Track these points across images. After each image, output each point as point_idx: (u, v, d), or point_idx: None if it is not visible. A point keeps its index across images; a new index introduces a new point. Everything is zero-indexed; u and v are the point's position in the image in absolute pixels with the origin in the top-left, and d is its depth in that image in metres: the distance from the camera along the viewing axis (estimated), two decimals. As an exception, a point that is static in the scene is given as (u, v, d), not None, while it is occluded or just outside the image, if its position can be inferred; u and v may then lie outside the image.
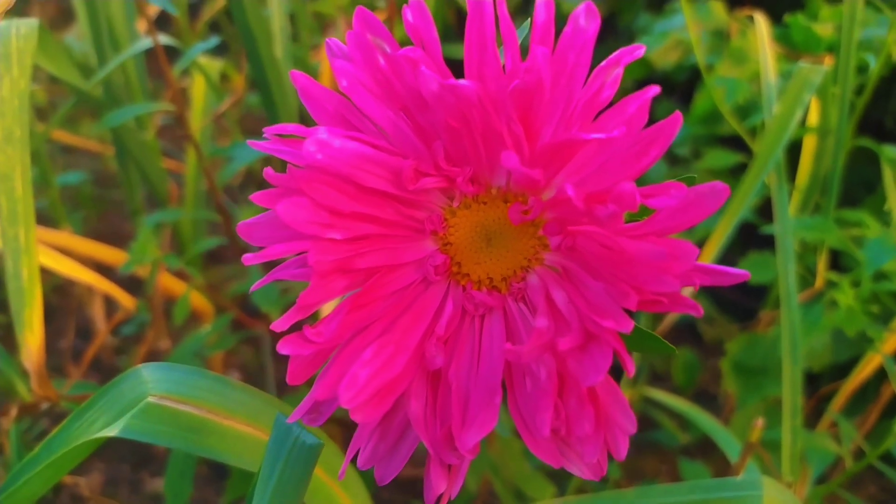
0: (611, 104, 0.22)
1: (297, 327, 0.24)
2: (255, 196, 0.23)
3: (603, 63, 0.22)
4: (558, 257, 0.24)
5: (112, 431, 0.34)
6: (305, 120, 0.76)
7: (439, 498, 0.23)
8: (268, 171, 0.23)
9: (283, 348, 0.22)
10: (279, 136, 0.23)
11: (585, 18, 0.21)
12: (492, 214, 0.25)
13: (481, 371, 0.24)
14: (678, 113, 0.20)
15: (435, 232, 0.25)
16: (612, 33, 1.24)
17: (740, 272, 0.21)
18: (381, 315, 0.24)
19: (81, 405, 0.38)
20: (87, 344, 0.99)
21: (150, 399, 0.35)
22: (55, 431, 0.38)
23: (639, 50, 0.21)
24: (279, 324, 0.23)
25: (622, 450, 0.22)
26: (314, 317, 0.56)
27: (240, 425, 0.36)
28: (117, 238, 1.14)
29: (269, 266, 0.24)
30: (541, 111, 0.22)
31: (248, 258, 0.22)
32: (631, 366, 0.20)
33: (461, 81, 0.21)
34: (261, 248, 0.23)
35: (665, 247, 0.19)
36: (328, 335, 0.22)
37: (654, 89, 0.20)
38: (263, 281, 0.23)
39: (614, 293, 0.21)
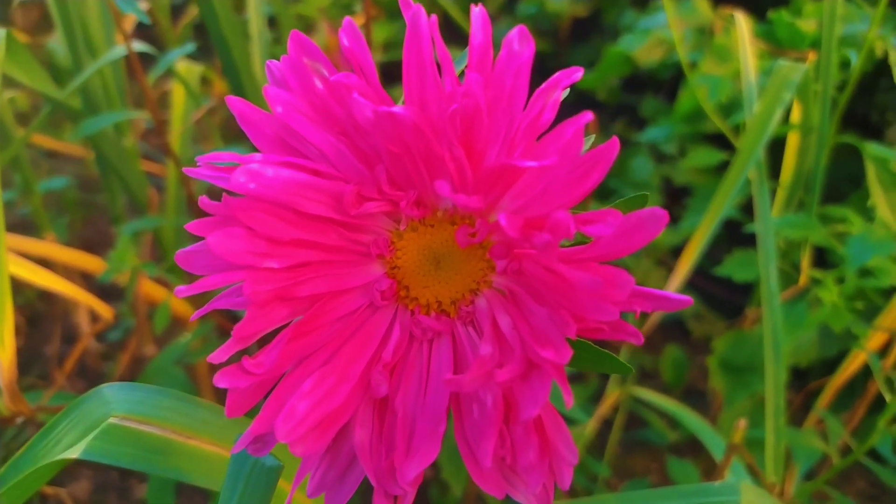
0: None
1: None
2: (191, 225, 0.22)
3: (542, 86, 0.21)
4: (505, 280, 0.24)
5: (74, 454, 0.34)
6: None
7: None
8: (203, 200, 0.22)
9: (219, 381, 0.22)
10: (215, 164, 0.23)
11: (519, 43, 0.21)
12: (439, 237, 0.25)
13: (428, 398, 0.23)
14: (615, 139, 0.19)
15: (381, 256, 0.25)
16: (597, 31, 1.23)
17: (683, 298, 0.20)
18: (325, 342, 0.24)
19: (47, 425, 0.38)
20: (73, 350, 0.98)
21: (113, 420, 0.34)
22: (20, 452, 0.38)
23: (577, 73, 0.21)
24: (217, 355, 0.22)
25: (566, 479, 0.21)
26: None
27: (205, 445, 0.35)
28: (103, 242, 1.13)
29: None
30: (482, 135, 0.22)
31: (180, 290, 0.22)
32: (570, 398, 0.19)
33: (397, 108, 0.20)
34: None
35: (602, 276, 0.19)
36: (268, 366, 0.22)
37: (588, 115, 0.19)
38: (202, 312, 0.23)
39: (557, 320, 0.20)
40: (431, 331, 0.25)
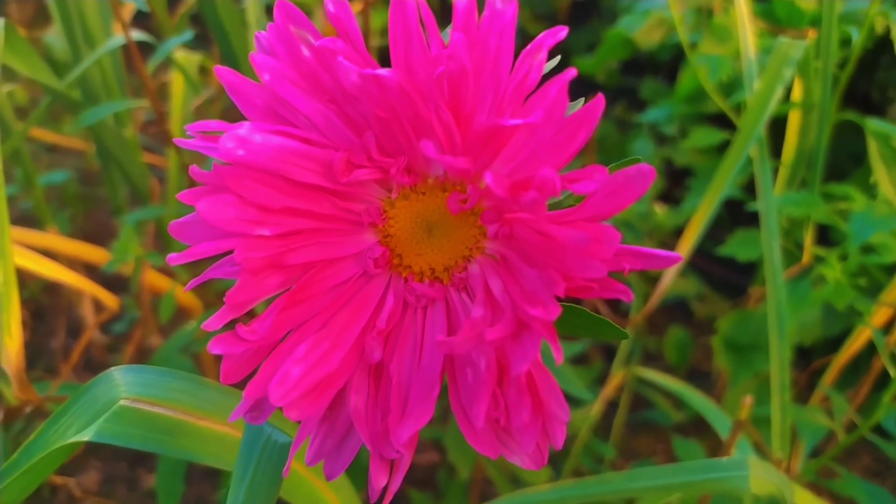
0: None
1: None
2: (183, 195, 0.22)
3: (527, 48, 0.21)
4: (497, 245, 0.24)
5: (85, 436, 0.34)
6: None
7: (383, 492, 0.23)
8: (193, 169, 0.22)
9: (213, 347, 0.22)
10: (206, 133, 0.23)
11: (502, 1, 0.21)
12: (431, 204, 0.25)
13: (423, 363, 0.24)
14: (601, 96, 0.19)
15: (374, 224, 0.25)
16: (595, 13, 1.23)
17: (672, 255, 0.20)
18: (320, 310, 0.24)
19: (57, 410, 0.38)
20: (78, 342, 0.99)
21: (123, 402, 0.34)
22: (32, 437, 0.38)
23: (561, 32, 0.21)
24: (211, 323, 0.22)
25: (559, 438, 0.22)
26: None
27: (215, 425, 0.35)
28: (105, 235, 1.14)
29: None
30: (469, 98, 0.22)
31: (172, 258, 0.22)
32: (559, 354, 0.19)
33: (382, 71, 0.20)
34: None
35: (589, 232, 0.19)
36: (262, 333, 0.22)
37: (572, 72, 0.19)
38: (196, 281, 0.23)
39: (546, 280, 0.20)
40: (425, 298, 0.25)
